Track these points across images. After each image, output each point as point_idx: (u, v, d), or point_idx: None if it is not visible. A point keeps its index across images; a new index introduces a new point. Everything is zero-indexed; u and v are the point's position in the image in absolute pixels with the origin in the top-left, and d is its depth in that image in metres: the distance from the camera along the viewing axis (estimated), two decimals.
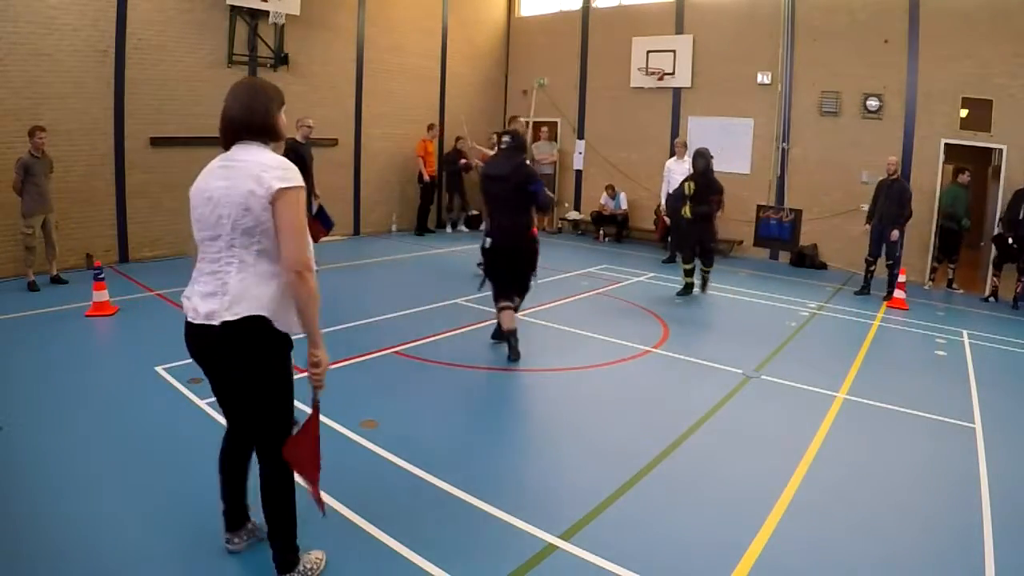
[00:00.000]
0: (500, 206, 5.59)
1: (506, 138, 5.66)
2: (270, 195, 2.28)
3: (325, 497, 2.85)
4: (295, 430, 2.48)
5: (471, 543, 3.01)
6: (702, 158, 8.09)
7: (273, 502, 2.52)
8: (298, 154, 7.96)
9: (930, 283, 9.69)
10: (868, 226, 8.68)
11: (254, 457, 2.62)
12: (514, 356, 5.51)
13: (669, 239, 11.78)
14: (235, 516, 2.77)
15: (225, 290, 2.34)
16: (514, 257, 5.61)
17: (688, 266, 8.22)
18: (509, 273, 5.63)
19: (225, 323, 2.32)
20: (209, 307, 2.36)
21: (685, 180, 8.16)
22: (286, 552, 2.57)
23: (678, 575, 2.87)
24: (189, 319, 2.44)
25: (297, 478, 2.53)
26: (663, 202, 9.98)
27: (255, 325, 2.34)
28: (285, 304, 2.38)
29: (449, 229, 12.77)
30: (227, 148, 2.42)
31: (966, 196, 9.17)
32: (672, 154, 10.65)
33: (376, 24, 11.66)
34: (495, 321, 6.51)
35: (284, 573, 2.56)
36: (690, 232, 8.13)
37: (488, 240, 5.59)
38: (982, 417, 4.81)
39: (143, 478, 3.46)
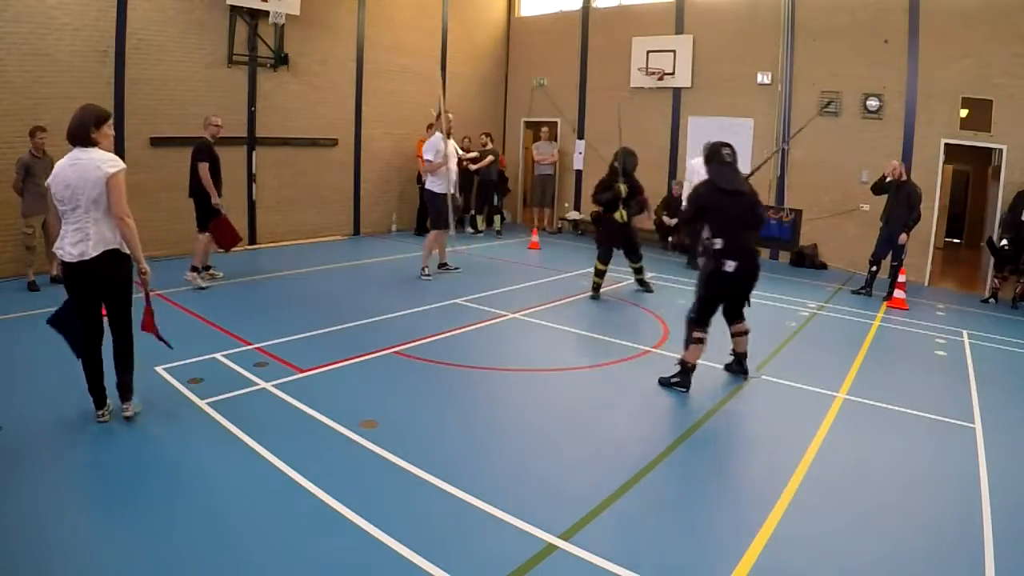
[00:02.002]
0: (735, 225, 4.93)
1: (728, 150, 5.09)
2: (106, 177, 3.77)
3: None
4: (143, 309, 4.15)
5: (471, 543, 3.02)
6: (633, 157, 7.87)
7: (126, 359, 4.05)
8: (211, 154, 7.50)
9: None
10: (883, 201, 8.59)
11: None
12: (745, 373, 5.28)
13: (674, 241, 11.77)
14: (100, 396, 4.04)
15: (88, 237, 3.77)
16: (750, 283, 5.10)
17: (605, 267, 7.93)
18: (739, 299, 5.21)
19: (93, 257, 3.76)
20: (80, 250, 3.76)
21: (615, 182, 7.69)
22: (130, 387, 4.08)
23: (678, 575, 2.87)
24: (67, 261, 3.80)
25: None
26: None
27: (111, 254, 3.83)
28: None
29: (452, 231, 12.72)
30: (73, 147, 3.83)
31: None
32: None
33: (376, 24, 11.66)
34: (497, 320, 6.54)
35: (128, 399, 4.08)
36: (619, 233, 7.91)
37: (731, 263, 4.86)
38: (982, 417, 4.81)
39: (141, 479, 3.47)
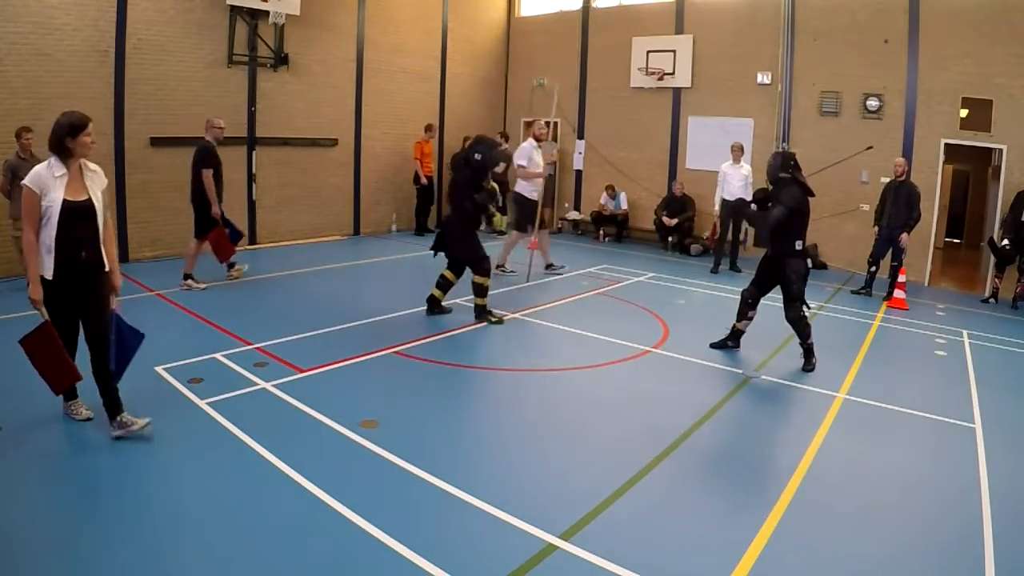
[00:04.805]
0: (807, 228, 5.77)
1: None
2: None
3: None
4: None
5: (471, 543, 3.02)
6: (496, 148, 6.69)
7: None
8: (215, 159, 7.33)
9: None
10: (876, 228, 8.66)
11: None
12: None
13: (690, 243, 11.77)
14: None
15: None
16: None
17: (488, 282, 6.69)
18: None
19: None
20: None
21: (484, 180, 6.49)
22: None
23: (678, 575, 2.87)
24: None
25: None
26: (717, 208, 9.80)
27: None
28: (41, 252, 3.68)
29: None
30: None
31: None
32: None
33: (376, 24, 11.66)
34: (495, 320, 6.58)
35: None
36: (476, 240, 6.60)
37: (809, 261, 5.75)
38: (982, 417, 4.81)
39: (140, 479, 3.47)
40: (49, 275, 3.67)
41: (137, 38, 8.52)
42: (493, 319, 6.55)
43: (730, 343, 6.08)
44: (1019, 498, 3.68)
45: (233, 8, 9.37)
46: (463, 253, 6.54)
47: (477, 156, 6.39)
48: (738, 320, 6.01)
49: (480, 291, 6.55)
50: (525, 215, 8.64)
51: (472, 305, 6.70)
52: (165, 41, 8.83)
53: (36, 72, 7.68)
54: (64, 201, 3.60)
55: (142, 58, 8.59)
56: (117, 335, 3.86)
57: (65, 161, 3.66)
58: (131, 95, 8.54)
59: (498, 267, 8.78)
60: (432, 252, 6.73)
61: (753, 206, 5.84)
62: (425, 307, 6.80)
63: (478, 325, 6.50)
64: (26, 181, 3.59)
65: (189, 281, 7.39)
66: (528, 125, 14.43)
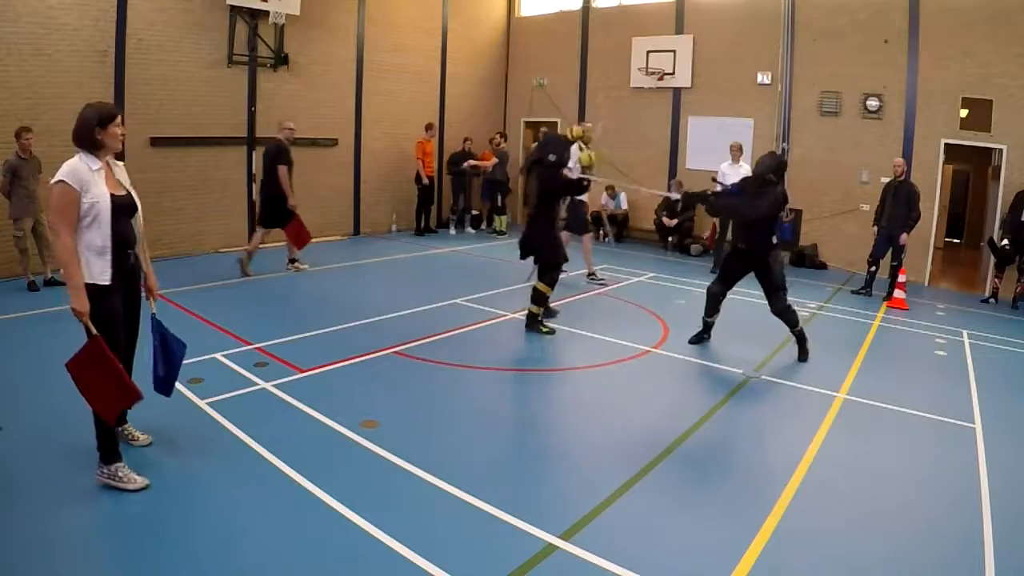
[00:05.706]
0: None
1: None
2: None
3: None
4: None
5: (471, 543, 3.02)
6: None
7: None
8: (289, 156, 8.20)
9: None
10: (876, 228, 8.67)
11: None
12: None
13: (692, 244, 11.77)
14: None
15: None
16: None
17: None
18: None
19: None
20: None
21: (560, 177, 6.44)
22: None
23: (678, 575, 2.87)
24: None
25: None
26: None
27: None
28: (85, 256, 3.19)
29: (452, 231, 12.69)
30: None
31: None
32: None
33: (376, 24, 11.66)
34: (497, 320, 6.56)
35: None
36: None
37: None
38: (982, 417, 4.81)
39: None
40: (107, 280, 3.23)
41: (137, 38, 8.51)
42: (544, 330, 6.32)
43: (705, 336, 6.26)
44: (1019, 498, 3.68)
45: (233, 8, 9.36)
46: (547, 255, 6.40)
47: (552, 157, 6.33)
48: (708, 315, 6.20)
49: (539, 298, 6.35)
50: (577, 217, 8.46)
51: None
52: (165, 41, 8.82)
53: (36, 72, 7.68)
54: (111, 196, 3.26)
55: (142, 58, 8.59)
56: (161, 342, 3.61)
57: (96, 155, 3.30)
58: (131, 95, 8.54)
59: (588, 275, 8.79)
60: (521, 257, 6.61)
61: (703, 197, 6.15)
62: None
63: (478, 325, 6.50)
64: (63, 177, 3.14)
65: (295, 265, 8.53)
66: (528, 125, 14.51)
